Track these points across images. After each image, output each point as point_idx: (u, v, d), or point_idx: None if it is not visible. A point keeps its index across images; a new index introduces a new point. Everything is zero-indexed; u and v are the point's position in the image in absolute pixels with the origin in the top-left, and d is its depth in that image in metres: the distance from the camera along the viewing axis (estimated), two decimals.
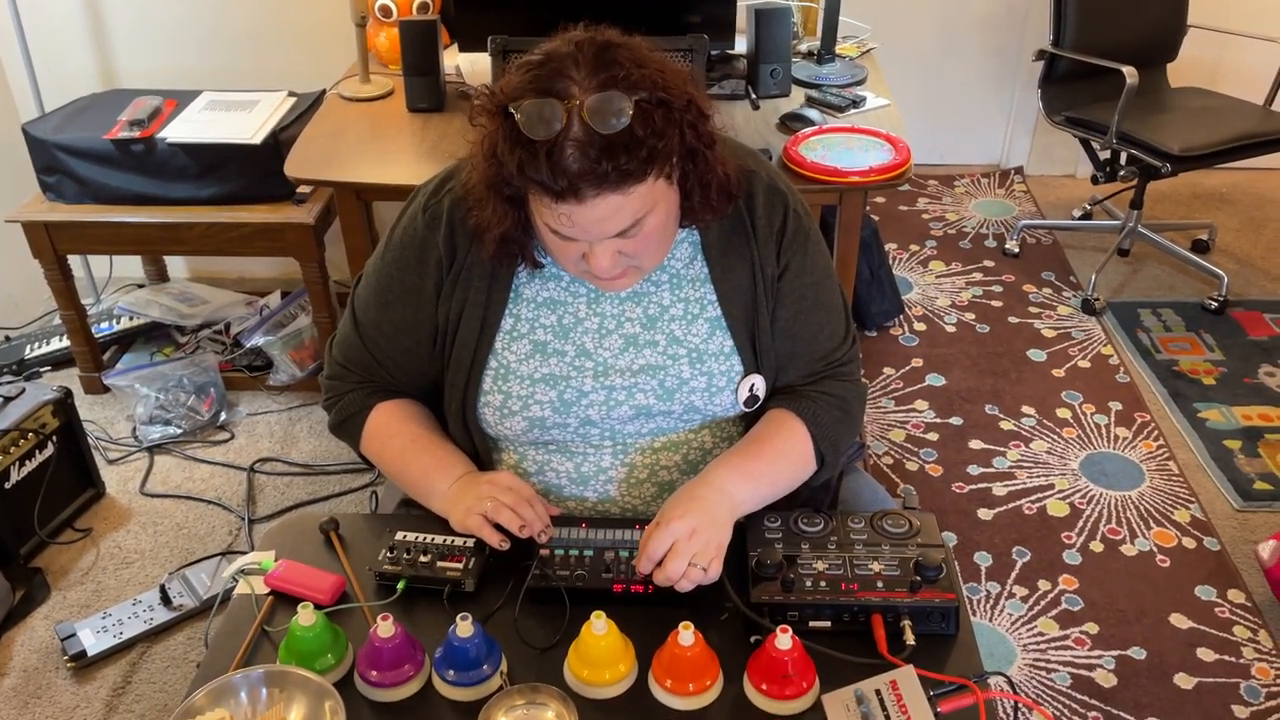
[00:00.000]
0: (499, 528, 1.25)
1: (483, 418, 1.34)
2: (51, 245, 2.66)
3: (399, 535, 1.29)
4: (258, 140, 2.55)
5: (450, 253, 1.29)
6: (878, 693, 1.08)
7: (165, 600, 2.21)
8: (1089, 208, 3.65)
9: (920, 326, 3.12)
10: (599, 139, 1.05)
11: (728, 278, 1.30)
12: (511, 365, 1.31)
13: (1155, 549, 2.36)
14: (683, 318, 1.31)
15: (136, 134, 2.56)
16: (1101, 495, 2.50)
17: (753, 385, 1.33)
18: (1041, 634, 2.16)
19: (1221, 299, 3.15)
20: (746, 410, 1.35)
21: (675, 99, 1.10)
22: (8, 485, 2.28)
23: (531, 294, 1.31)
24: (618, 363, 1.30)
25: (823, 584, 1.19)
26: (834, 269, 1.39)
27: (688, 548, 1.18)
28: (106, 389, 2.86)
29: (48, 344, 3.01)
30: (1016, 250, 3.45)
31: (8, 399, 2.34)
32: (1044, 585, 2.27)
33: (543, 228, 1.17)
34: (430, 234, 1.29)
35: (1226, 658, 2.10)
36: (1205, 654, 2.11)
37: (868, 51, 2.76)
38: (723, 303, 1.30)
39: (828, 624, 1.18)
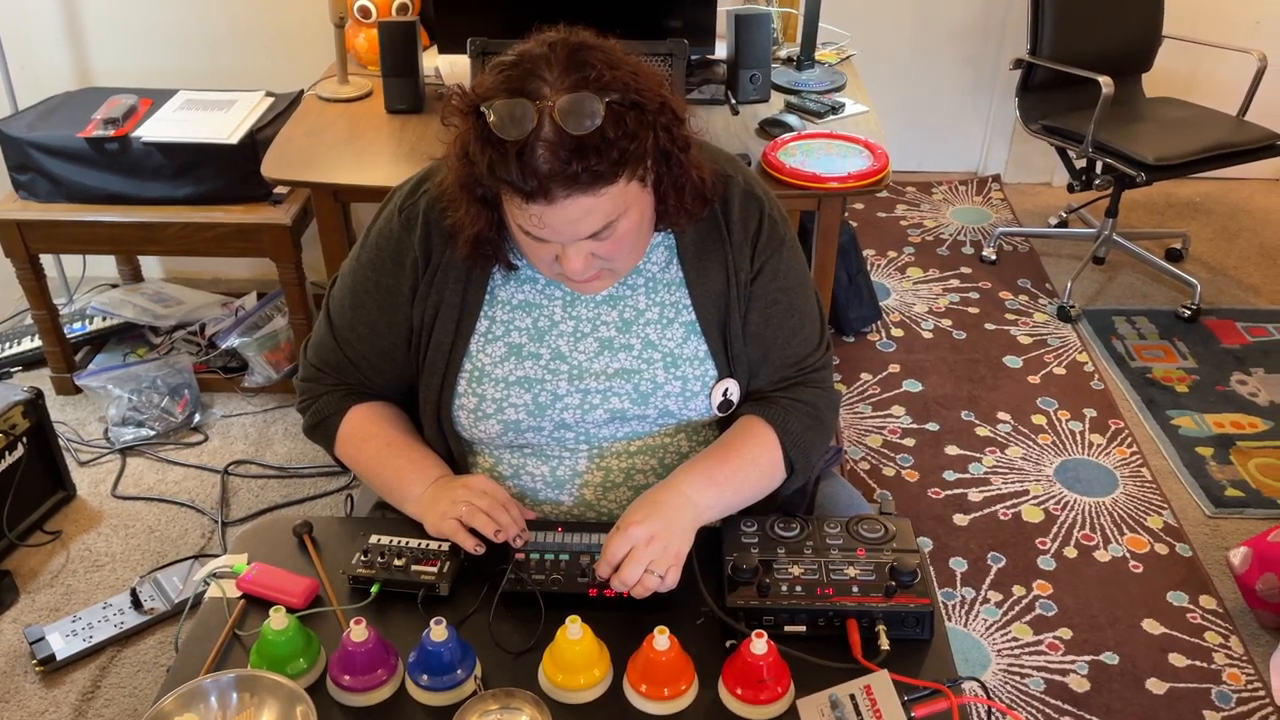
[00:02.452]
0: (474, 532, 1.25)
1: (457, 420, 1.33)
2: (24, 244, 2.63)
3: (373, 538, 1.28)
4: (234, 140, 2.53)
5: (426, 254, 1.28)
6: (852, 698, 1.08)
7: (136, 604, 2.18)
8: (1065, 215, 3.68)
9: (897, 332, 3.13)
10: (570, 140, 1.05)
11: (702, 282, 1.30)
12: (486, 368, 1.30)
13: (1128, 555, 2.37)
14: (658, 322, 1.30)
15: (111, 132, 2.54)
16: (1076, 501, 2.52)
17: (726, 390, 1.33)
18: (1015, 639, 2.17)
19: (1194, 307, 3.18)
20: (720, 415, 1.35)
21: (648, 101, 1.10)
22: None
23: (507, 296, 1.31)
24: (593, 366, 1.30)
25: (798, 589, 1.19)
26: (810, 276, 1.39)
27: (645, 554, 1.17)
28: (78, 390, 2.83)
29: (19, 344, 2.98)
30: (993, 257, 3.48)
31: None
32: (1018, 590, 2.28)
33: (516, 229, 1.17)
34: (406, 235, 1.29)
35: (1198, 663, 2.12)
36: (1177, 659, 2.13)
37: (847, 58, 2.78)
38: (697, 307, 1.30)
39: (803, 629, 1.18)
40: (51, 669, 2.08)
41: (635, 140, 1.09)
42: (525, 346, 1.30)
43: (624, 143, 1.08)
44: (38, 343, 2.88)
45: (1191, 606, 2.25)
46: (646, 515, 1.20)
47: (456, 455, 1.37)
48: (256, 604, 1.24)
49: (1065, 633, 2.18)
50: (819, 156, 2.23)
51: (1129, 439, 2.72)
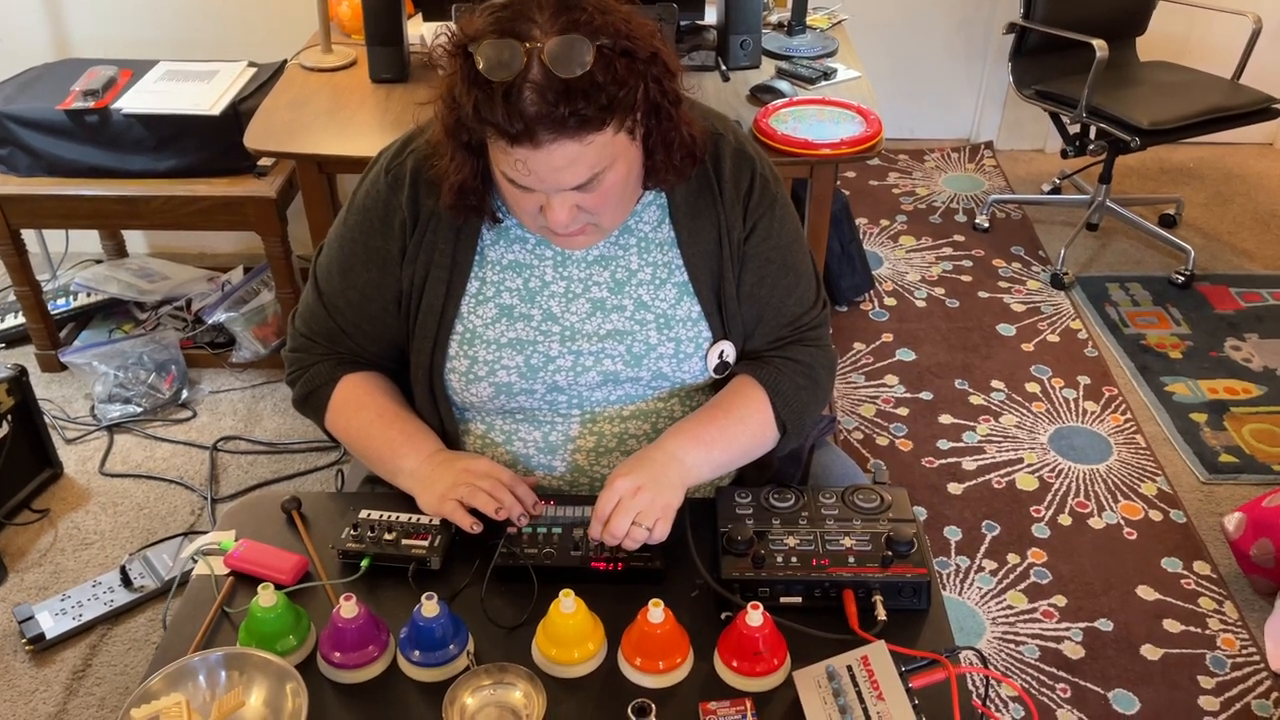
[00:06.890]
0: (473, 511, 1.23)
1: (449, 384, 1.32)
2: (4, 219, 2.59)
3: (363, 513, 1.26)
4: (217, 111, 2.49)
5: (414, 214, 1.26)
6: (849, 669, 1.07)
7: (126, 581, 2.17)
8: (1058, 182, 3.66)
9: (890, 301, 3.11)
10: (558, 83, 1.03)
11: (695, 242, 1.28)
12: (477, 329, 1.28)
13: (1122, 522, 2.37)
14: (650, 282, 1.29)
15: (91, 104, 2.49)
16: (1070, 469, 2.52)
17: (722, 352, 1.31)
18: (1010, 607, 2.17)
19: (1188, 273, 3.17)
20: (717, 377, 1.34)
21: (639, 50, 1.09)
22: None
23: (497, 257, 1.29)
24: (585, 327, 1.28)
25: (794, 560, 1.18)
26: (803, 234, 1.37)
27: (631, 505, 1.17)
28: (64, 367, 2.80)
29: (2, 321, 2.94)
30: (986, 225, 3.45)
31: None
32: (1013, 559, 2.28)
33: (500, 177, 1.15)
34: (393, 196, 1.27)
35: (1192, 629, 2.12)
36: (1172, 625, 2.13)
37: (838, 23, 2.74)
38: (690, 268, 1.29)
39: (799, 600, 1.17)
40: (41, 648, 2.07)
41: (624, 87, 1.07)
42: (516, 308, 1.28)
43: (613, 89, 1.05)
44: (21, 319, 2.84)
45: (1186, 573, 2.25)
46: (631, 469, 1.21)
47: (448, 422, 1.35)
48: (245, 581, 1.23)
49: (1060, 600, 2.18)
50: (811, 123, 2.20)
51: (1123, 406, 2.71)
